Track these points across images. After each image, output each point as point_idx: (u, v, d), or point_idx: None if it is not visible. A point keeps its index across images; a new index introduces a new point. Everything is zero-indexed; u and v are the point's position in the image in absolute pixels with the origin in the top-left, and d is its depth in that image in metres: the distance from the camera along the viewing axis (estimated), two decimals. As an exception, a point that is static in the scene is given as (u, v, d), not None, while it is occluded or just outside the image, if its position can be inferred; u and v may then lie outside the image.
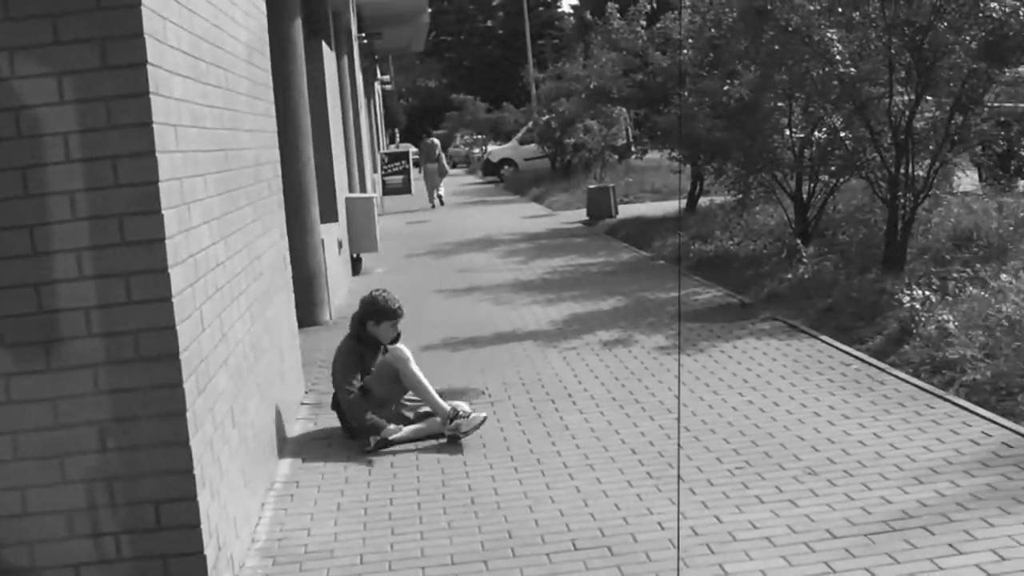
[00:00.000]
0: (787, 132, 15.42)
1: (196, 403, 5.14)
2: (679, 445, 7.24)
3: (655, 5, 23.84)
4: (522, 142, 46.24)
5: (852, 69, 12.66)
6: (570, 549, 5.81)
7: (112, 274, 4.85)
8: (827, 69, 12.94)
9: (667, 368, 9.64)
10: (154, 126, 4.86)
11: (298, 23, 13.01)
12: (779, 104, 15.27)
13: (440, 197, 33.55)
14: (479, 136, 62.31)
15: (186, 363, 5.01)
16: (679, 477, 6.65)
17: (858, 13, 12.92)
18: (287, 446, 8.01)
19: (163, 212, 4.88)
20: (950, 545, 5.45)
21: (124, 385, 4.88)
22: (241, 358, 6.49)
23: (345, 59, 20.67)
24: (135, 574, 4.98)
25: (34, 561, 4.93)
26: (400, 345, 8.34)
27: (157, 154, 4.87)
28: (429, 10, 29.29)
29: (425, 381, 8.15)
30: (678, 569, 5.37)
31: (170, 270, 4.91)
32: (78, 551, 4.94)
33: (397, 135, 66.57)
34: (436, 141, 35.52)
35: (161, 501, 4.96)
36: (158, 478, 4.94)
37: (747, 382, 8.93)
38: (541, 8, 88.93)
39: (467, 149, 62.96)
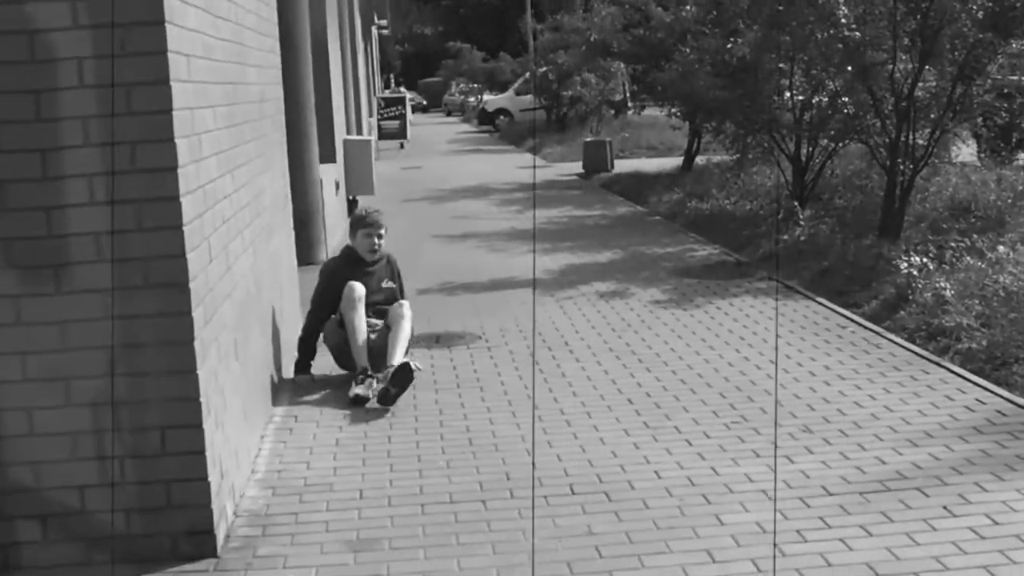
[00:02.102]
0: (787, 94, 15.38)
1: (203, 332, 5.16)
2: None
3: (656, -40, 23.70)
4: (518, 93, 46.12)
5: (856, 33, 12.60)
6: (568, 493, 5.85)
7: (124, 201, 4.84)
8: (831, 32, 12.89)
9: (663, 322, 9.67)
10: (168, 55, 4.84)
11: (302, -39, 12.92)
12: (781, 65, 15.21)
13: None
14: (475, 85, 62.05)
15: (195, 292, 5.02)
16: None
17: (865, -23, 12.87)
18: (285, 382, 8.04)
19: (176, 141, 4.88)
20: (944, 507, 5.49)
21: (132, 311, 4.89)
22: (244, 292, 6.50)
23: (345, 1, 20.55)
24: (138, 498, 5.02)
25: (39, 481, 4.96)
26: (354, 284, 8.07)
27: (171, 83, 4.85)
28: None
29: (356, 333, 7.94)
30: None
31: (181, 199, 4.91)
32: (82, 473, 4.97)
33: (393, 80, 66.27)
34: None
35: (167, 427, 4.99)
36: (164, 404, 4.97)
37: (743, 339, 8.96)
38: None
39: (462, 98, 62.68)
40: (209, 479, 5.08)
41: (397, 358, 7.69)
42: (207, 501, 5.08)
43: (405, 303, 8.23)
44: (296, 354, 8.18)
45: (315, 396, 7.79)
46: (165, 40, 4.82)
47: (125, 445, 4.97)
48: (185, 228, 4.94)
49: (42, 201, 4.82)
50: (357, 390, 7.60)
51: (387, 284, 8.45)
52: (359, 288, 8.06)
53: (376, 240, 8.34)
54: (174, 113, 4.87)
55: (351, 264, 8.35)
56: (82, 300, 4.87)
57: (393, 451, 6.60)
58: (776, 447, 6.39)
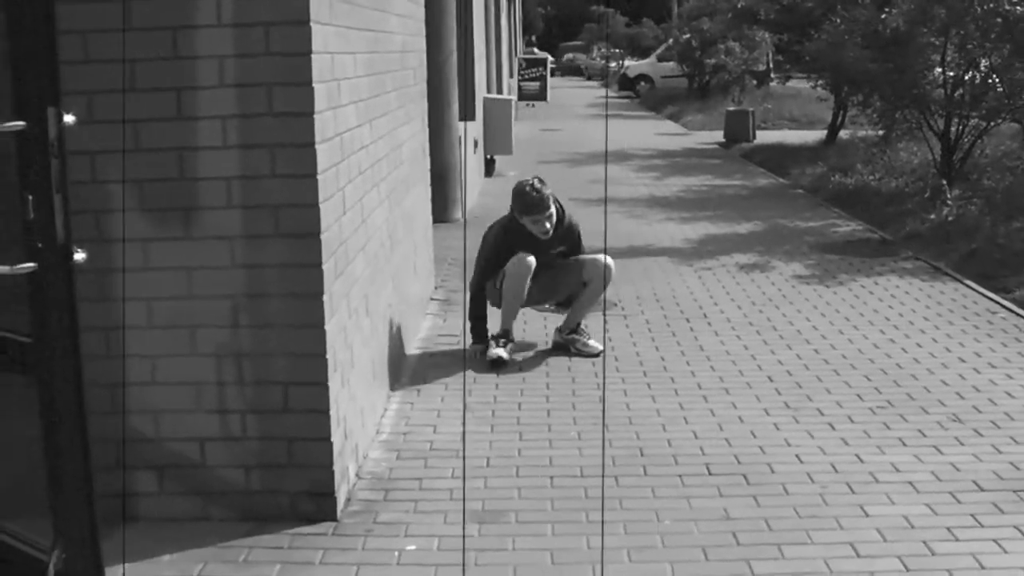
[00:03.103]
0: (939, 69, 14.83)
1: (334, 286, 4.97)
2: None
3: (812, -74, 23.09)
4: (660, 59, 45.58)
5: (1018, 8, 12.06)
6: (704, 473, 5.58)
7: (257, 145, 4.66)
8: (991, 5, 12.36)
9: (805, 297, 9.33)
10: (310, -7, 4.64)
11: (450, -87, 12.74)
12: (934, 39, 14.69)
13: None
14: (616, 50, 61.65)
15: (326, 243, 4.83)
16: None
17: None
18: (415, 341, 7.87)
19: (313, 85, 4.68)
20: (1109, 509, 5.12)
21: (261, 261, 4.72)
22: (378, 246, 6.32)
23: (492, -41, 20.39)
24: (259, 454, 4.86)
25: (159, 432, 4.83)
26: (526, 257, 7.53)
27: (311, 24, 4.65)
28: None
29: (514, 300, 7.60)
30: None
31: (316, 146, 4.71)
32: (204, 425, 4.83)
33: (534, 41, 66.11)
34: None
35: (290, 383, 4.81)
36: (289, 359, 4.79)
37: (888, 320, 8.57)
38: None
39: (603, 62, 62.34)
40: (332, 439, 4.89)
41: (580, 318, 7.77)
42: (329, 462, 4.90)
43: (609, 259, 7.80)
44: (469, 326, 7.74)
45: (446, 357, 7.62)
46: (306, -22, 4.62)
47: (247, 399, 4.81)
48: (319, 177, 4.74)
49: (175, 142, 4.66)
50: (499, 351, 7.41)
51: (557, 250, 7.77)
52: (528, 263, 7.53)
53: (547, 224, 7.51)
54: (313, 56, 4.67)
55: (519, 235, 7.64)
56: (210, 246, 4.70)
57: (523, 419, 6.39)
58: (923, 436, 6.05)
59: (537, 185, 7.48)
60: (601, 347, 7.69)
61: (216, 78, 4.62)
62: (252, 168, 4.67)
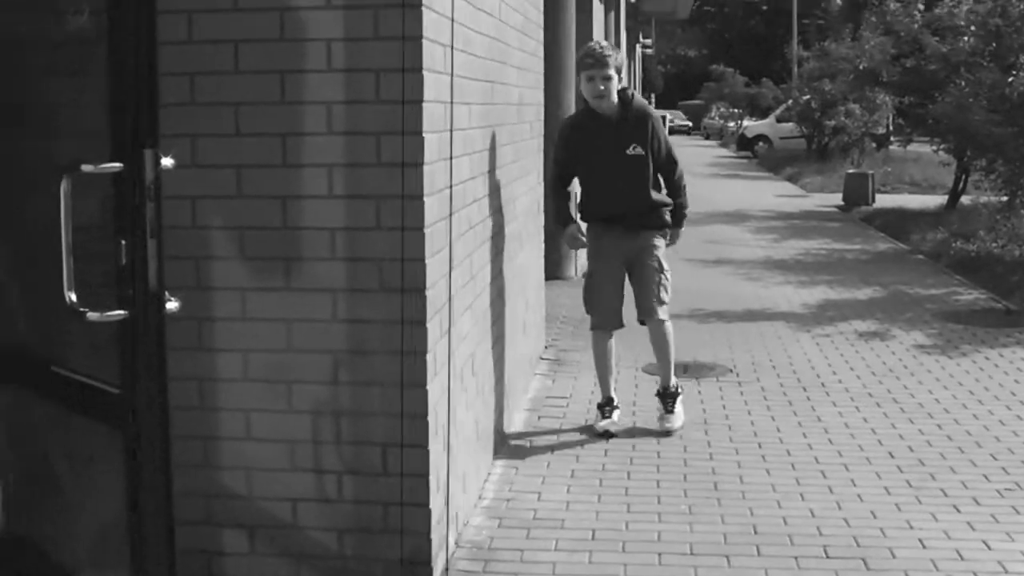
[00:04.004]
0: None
1: (438, 344, 4.77)
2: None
3: (935, -11, 22.76)
4: (779, 119, 45.24)
5: None
6: (821, 555, 5.26)
7: (363, 195, 4.49)
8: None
9: (927, 369, 8.94)
10: (423, 41, 4.47)
11: (572, -32, 12.65)
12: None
13: None
14: (735, 110, 61.36)
15: (432, 300, 4.63)
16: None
17: None
18: (523, 402, 7.65)
19: (424, 135, 4.50)
20: None
21: (363, 316, 4.53)
22: (487, 303, 6.12)
23: (612, 16, 20.31)
24: (353, 518, 4.65)
25: (251, 489, 4.65)
26: (605, 339, 7.23)
27: (424, 72, 4.48)
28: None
29: (604, 370, 7.28)
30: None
31: (425, 198, 4.52)
32: (298, 485, 4.63)
33: (653, 100, 65.99)
34: None
35: (389, 444, 4.59)
36: (389, 419, 4.57)
37: (1015, 395, 8.16)
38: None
39: (722, 122, 62.07)
40: (431, 506, 4.66)
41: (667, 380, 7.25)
42: (426, 529, 4.67)
43: (664, 318, 7.13)
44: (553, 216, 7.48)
45: (554, 420, 7.38)
46: (421, 25, 4.44)
47: (344, 459, 4.61)
48: (427, 230, 4.55)
49: (279, 190, 4.51)
50: (606, 424, 7.06)
51: (635, 150, 6.99)
52: (606, 346, 7.22)
53: (600, 86, 6.85)
54: (424, 104, 4.49)
55: (588, 116, 7.10)
56: (311, 299, 4.53)
57: (631, 489, 6.13)
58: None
59: (603, 43, 7.16)
60: (677, 426, 7.16)
61: (324, 125, 4.48)
62: (357, 219, 4.49)
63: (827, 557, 5.25)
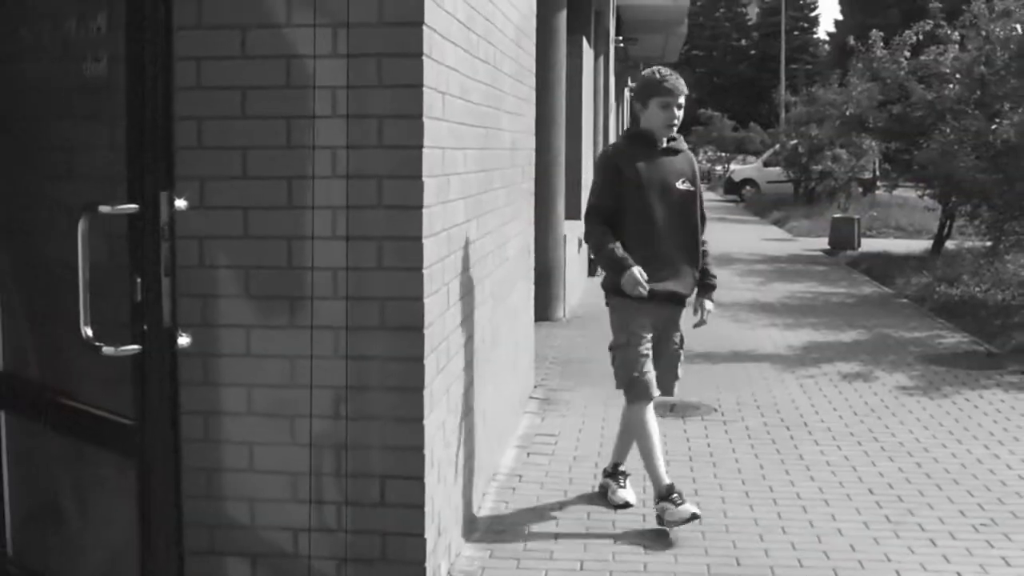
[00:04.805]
0: (1050, 181, 14.67)
1: (435, 381, 4.95)
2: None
3: (921, 37, 23.02)
4: (766, 164, 45.58)
5: None
6: (802, 587, 5.45)
7: (365, 237, 4.68)
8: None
9: (908, 409, 9.13)
10: (424, 89, 4.67)
11: (563, 15, 12.91)
12: (1046, 150, 14.54)
13: None
14: (723, 154, 61.69)
15: (429, 338, 4.81)
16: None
17: None
18: (513, 439, 7.82)
19: (423, 179, 4.70)
20: None
21: (364, 352, 4.70)
22: (480, 342, 6.30)
23: (601, 60, 20.54)
24: (352, 547, 4.80)
25: (253, 520, 4.80)
26: (644, 409, 6.31)
27: (424, 119, 4.68)
28: (687, 21, 28.99)
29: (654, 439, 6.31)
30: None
31: (424, 240, 4.72)
32: (299, 516, 4.79)
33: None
34: None
35: (387, 476, 4.77)
36: (387, 452, 4.75)
37: (992, 435, 8.36)
38: (796, 32, 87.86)
39: (710, 165, 62.39)
40: (426, 536, 4.84)
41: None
42: (421, 558, 4.84)
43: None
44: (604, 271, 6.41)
45: (543, 456, 7.54)
46: (422, 74, 4.65)
47: (343, 491, 4.77)
48: (425, 271, 4.74)
49: (284, 231, 4.70)
50: (625, 495, 6.61)
51: (684, 185, 6.39)
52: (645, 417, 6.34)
53: (677, 112, 6.32)
54: (424, 150, 4.69)
55: (639, 144, 6.44)
56: (316, 336, 4.70)
57: (618, 522, 6.30)
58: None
59: (666, 71, 6.42)
60: (626, 501, 6.56)
61: (329, 168, 4.66)
62: (359, 260, 4.68)
63: (809, 589, 5.42)
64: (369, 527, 4.80)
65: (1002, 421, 8.80)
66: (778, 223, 32.64)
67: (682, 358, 6.68)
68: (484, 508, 6.44)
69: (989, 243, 16.39)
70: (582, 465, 7.37)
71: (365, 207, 4.66)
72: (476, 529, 6.10)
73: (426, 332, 4.76)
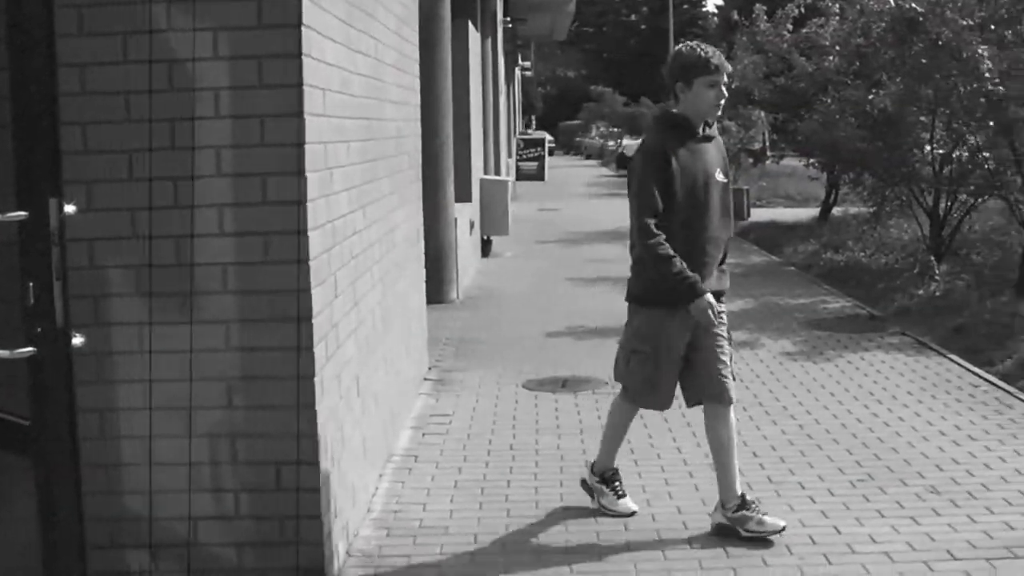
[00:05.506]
0: (928, 147, 15.09)
1: (325, 368, 5.13)
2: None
3: (803, 10, 23.43)
4: (658, 138, 45.90)
5: (1000, 88, 12.34)
6: (686, 547, 5.71)
7: (252, 232, 4.84)
8: (974, 86, 12.64)
9: (792, 374, 9.47)
10: (304, 88, 4.83)
11: (447, 1, 13.01)
12: (922, 118, 14.96)
13: None
14: (615, 129, 62.09)
15: (318, 327, 4.99)
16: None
17: (1010, 32, 12.62)
18: (408, 420, 8.00)
19: (306, 174, 4.86)
20: (1076, 578, 5.26)
21: (255, 344, 4.88)
22: (370, 328, 6.47)
23: (489, 41, 20.67)
24: (252, 533, 4.98)
25: (153, 511, 4.95)
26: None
27: (305, 116, 4.84)
28: (574, -1, 29.21)
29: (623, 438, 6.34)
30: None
31: (309, 233, 4.89)
32: (197, 505, 4.95)
33: (534, 121, 66.56)
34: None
35: (283, 463, 4.95)
36: (282, 440, 4.93)
37: (872, 395, 8.72)
38: (686, 6, 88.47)
39: (602, 141, 62.77)
40: (323, 518, 5.03)
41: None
42: (319, 540, 5.03)
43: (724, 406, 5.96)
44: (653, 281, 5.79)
45: (437, 436, 7.73)
46: (301, 73, 4.81)
47: (240, 478, 4.94)
48: (312, 263, 4.91)
49: (173, 230, 4.83)
50: (630, 505, 6.26)
51: (722, 177, 5.87)
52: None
53: (724, 91, 5.82)
54: (306, 146, 4.86)
55: (679, 132, 5.82)
56: (206, 330, 4.86)
57: (511, 496, 6.51)
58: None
59: (706, 46, 5.86)
60: (632, 511, 6.24)
61: (214, 168, 4.81)
62: (248, 254, 4.84)
63: (691, 548, 5.70)
64: (267, 513, 4.98)
65: (881, 381, 9.17)
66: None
67: (727, 354, 5.99)
68: (381, 489, 6.61)
69: (872, 209, 16.80)
70: (475, 443, 7.58)
71: (250, 204, 4.83)
72: (373, 510, 6.28)
73: (315, 322, 4.94)
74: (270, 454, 4.94)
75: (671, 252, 5.60)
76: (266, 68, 4.78)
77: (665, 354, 5.86)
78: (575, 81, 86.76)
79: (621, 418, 6.30)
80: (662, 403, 6.09)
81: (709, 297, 5.66)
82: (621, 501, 6.23)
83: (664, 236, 5.62)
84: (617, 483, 6.27)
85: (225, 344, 4.87)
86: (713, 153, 5.84)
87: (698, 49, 5.76)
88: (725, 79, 5.76)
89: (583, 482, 6.37)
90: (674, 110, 5.87)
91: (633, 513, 6.16)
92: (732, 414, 5.98)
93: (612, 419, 6.34)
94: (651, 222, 5.63)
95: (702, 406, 6.05)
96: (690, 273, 5.61)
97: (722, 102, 5.75)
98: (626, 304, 6.02)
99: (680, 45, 5.94)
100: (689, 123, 5.77)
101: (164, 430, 4.90)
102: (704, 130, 5.80)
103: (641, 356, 5.92)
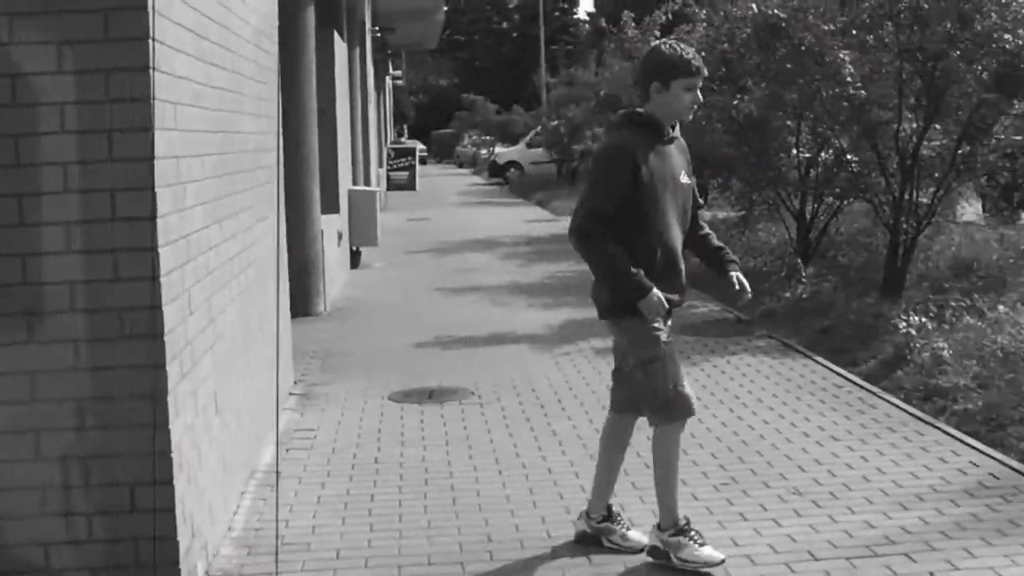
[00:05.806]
0: (794, 151, 15.36)
1: (179, 386, 5.06)
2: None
3: (670, 17, 23.72)
4: (529, 145, 46.25)
5: (862, 92, 12.60)
6: (549, 557, 5.73)
7: (100, 249, 4.76)
8: (837, 90, 12.88)
9: (660, 380, 9.56)
10: (154, 102, 4.77)
11: (310, 11, 12.94)
12: (788, 123, 15.20)
13: None
14: (487, 137, 62.25)
15: (170, 344, 4.92)
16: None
17: (871, 37, 12.88)
18: (272, 436, 7.91)
19: (156, 190, 4.80)
20: (931, 574, 5.38)
21: (105, 363, 4.79)
22: (230, 343, 6.40)
23: (357, 51, 20.58)
24: (106, 556, 4.89)
25: (2, 538, 4.84)
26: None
27: (155, 130, 4.78)
28: (445, 8, 29.21)
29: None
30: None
31: (160, 249, 4.82)
32: (49, 530, 4.84)
33: (406, 130, 66.46)
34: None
35: (137, 484, 4.87)
36: (135, 460, 4.85)
37: (738, 398, 8.85)
38: (557, 14, 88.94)
39: (474, 150, 62.89)
40: (178, 538, 4.95)
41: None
42: (175, 560, 4.95)
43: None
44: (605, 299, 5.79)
45: (301, 451, 7.67)
46: (150, 87, 4.75)
47: (93, 501, 4.85)
48: (163, 279, 4.84)
49: (18, 247, 4.73)
50: (642, 539, 5.88)
51: (686, 179, 5.73)
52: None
53: (700, 96, 5.65)
54: (156, 161, 4.79)
55: (647, 133, 5.61)
56: (54, 350, 4.76)
57: (375, 510, 6.48)
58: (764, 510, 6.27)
59: (684, 46, 5.67)
60: (645, 545, 5.82)
61: (60, 184, 4.72)
62: (95, 272, 4.75)
63: (554, 558, 5.71)
64: (121, 535, 4.89)
65: (747, 384, 9.31)
66: (541, 204, 33.09)
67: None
68: (243, 506, 6.54)
69: (741, 214, 17.03)
70: (340, 457, 7.53)
71: (99, 220, 4.75)
72: (234, 528, 6.21)
73: (167, 339, 4.87)
74: (124, 475, 4.86)
75: (619, 252, 5.47)
76: (113, 82, 4.72)
77: (667, 347, 5.68)
78: (447, 89, 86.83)
79: (658, 450, 5.87)
80: (692, 401, 5.74)
81: (656, 292, 5.49)
82: (631, 533, 5.92)
83: (604, 236, 5.49)
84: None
85: (74, 364, 4.77)
86: (677, 155, 5.69)
87: (679, 49, 5.56)
88: (701, 83, 5.60)
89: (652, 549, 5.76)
90: (640, 110, 5.65)
91: (645, 547, 5.79)
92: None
93: (654, 450, 5.89)
94: (597, 217, 5.50)
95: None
96: (634, 270, 5.46)
97: (696, 107, 5.58)
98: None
99: (658, 42, 5.73)
100: (658, 124, 5.59)
101: (12, 454, 4.79)
102: (668, 132, 5.65)
103: (655, 361, 5.65)
